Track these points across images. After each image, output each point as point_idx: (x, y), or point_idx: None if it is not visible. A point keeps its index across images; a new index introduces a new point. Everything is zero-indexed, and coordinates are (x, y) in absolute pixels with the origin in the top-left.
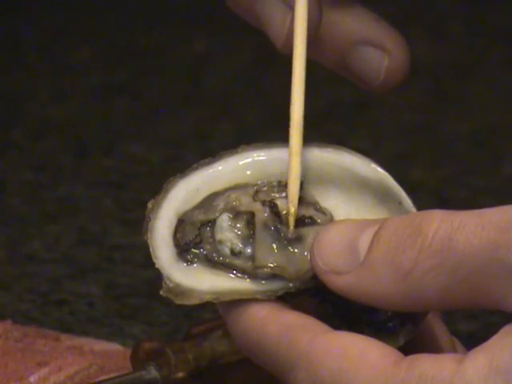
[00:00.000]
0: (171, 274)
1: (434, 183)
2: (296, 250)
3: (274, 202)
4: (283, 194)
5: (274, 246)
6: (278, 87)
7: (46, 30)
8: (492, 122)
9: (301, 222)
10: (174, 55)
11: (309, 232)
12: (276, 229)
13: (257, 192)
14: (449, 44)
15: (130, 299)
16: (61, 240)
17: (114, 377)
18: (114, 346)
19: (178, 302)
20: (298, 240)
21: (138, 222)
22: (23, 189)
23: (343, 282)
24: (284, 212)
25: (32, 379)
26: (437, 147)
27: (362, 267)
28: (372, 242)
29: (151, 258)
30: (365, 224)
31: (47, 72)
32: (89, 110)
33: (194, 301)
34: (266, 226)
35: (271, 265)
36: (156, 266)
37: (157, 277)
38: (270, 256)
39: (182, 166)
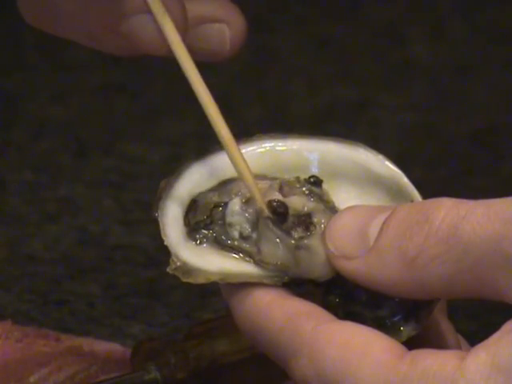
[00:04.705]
0: (179, 252)
1: (434, 183)
2: (302, 252)
3: (282, 202)
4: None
5: (280, 244)
6: (278, 87)
7: None
8: (492, 122)
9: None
10: None
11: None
12: (283, 230)
13: (281, 187)
14: (449, 44)
15: (130, 299)
16: (61, 240)
17: (113, 377)
18: (114, 346)
19: (185, 280)
20: (304, 241)
21: (138, 222)
22: (23, 189)
23: (352, 267)
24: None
25: (32, 379)
26: (437, 147)
27: (370, 253)
28: (382, 228)
29: (151, 258)
30: (376, 210)
31: (47, 72)
32: (89, 110)
33: (200, 280)
34: (277, 223)
35: (277, 262)
36: (165, 243)
37: (157, 277)
38: (276, 255)
39: None
